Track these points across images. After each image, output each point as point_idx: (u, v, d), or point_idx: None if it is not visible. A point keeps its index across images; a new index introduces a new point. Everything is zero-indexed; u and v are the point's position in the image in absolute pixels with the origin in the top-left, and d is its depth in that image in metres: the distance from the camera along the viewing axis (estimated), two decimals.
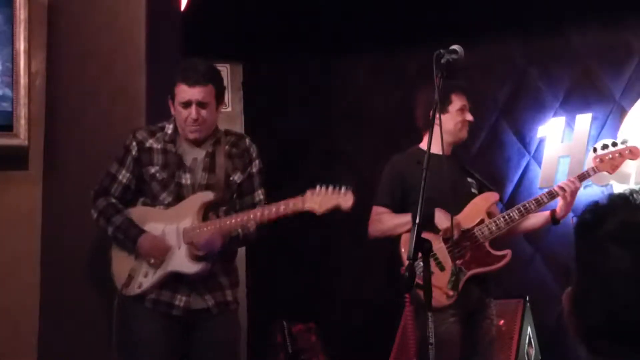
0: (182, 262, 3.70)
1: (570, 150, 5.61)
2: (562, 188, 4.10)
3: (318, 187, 3.61)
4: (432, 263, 3.88)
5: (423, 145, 4.19)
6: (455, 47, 3.41)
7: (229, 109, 6.61)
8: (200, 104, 3.71)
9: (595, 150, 4.30)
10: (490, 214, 4.12)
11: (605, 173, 5.42)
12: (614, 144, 4.25)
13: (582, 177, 4.21)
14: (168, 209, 3.76)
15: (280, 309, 6.06)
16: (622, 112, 5.52)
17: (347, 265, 6.11)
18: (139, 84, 4.37)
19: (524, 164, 5.82)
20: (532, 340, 5.02)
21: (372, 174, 4.73)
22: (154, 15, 4.47)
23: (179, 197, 3.76)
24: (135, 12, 4.42)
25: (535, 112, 5.83)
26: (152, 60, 4.40)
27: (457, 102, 4.15)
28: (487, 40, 5.78)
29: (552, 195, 4.12)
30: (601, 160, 4.23)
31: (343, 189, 3.59)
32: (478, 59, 5.54)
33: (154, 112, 4.35)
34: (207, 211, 3.75)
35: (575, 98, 5.71)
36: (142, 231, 3.73)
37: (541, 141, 5.76)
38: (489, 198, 4.16)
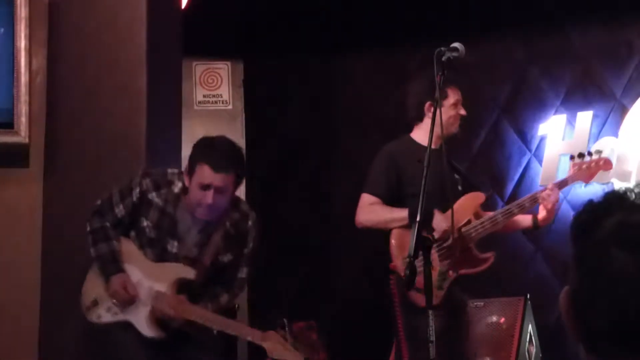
0: (142, 321, 3.65)
1: (571, 148, 5.60)
2: (543, 198, 4.09)
3: (281, 334, 3.59)
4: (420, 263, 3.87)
5: (414, 135, 4.15)
6: (456, 44, 3.40)
7: (230, 107, 6.61)
8: (219, 190, 3.58)
9: (572, 158, 4.32)
10: (476, 215, 4.10)
11: (606, 171, 5.44)
12: (590, 154, 4.27)
13: (562, 184, 4.23)
14: (152, 262, 3.70)
15: (281, 306, 6.06)
16: (623, 110, 5.51)
17: (347, 263, 6.12)
18: (139, 81, 4.36)
19: (525, 162, 5.82)
20: (532, 338, 5.03)
21: None
22: (155, 13, 4.47)
23: (162, 259, 3.69)
24: (136, 10, 4.42)
25: (536, 110, 5.83)
26: (152, 58, 4.40)
27: (452, 96, 4.10)
28: (488, 38, 5.78)
29: (534, 200, 4.12)
30: (579, 169, 4.25)
31: (300, 350, 3.59)
32: (479, 57, 5.53)
33: (154, 110, 4.35)
34: (183, 286, 3.68)
35: (576, 96, 5.70)
36: (119, 270, 3.67)
37: (542, 139, 5.76)
38: (476, 198, 4.13)
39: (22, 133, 4.27)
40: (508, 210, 4.11)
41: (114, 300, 3.65)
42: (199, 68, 6.56)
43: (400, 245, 3.91)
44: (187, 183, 3.65)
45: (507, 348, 4.92)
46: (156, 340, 3.67)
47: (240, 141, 6.56)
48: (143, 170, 3.79)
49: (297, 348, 3.61)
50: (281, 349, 3.56)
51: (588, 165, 4.24)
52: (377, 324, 5.56)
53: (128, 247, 3.74)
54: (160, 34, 4.53)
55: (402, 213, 3.93)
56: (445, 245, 3.91)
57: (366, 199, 4.07)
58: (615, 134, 5.50)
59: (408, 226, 3.86)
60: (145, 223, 3.70)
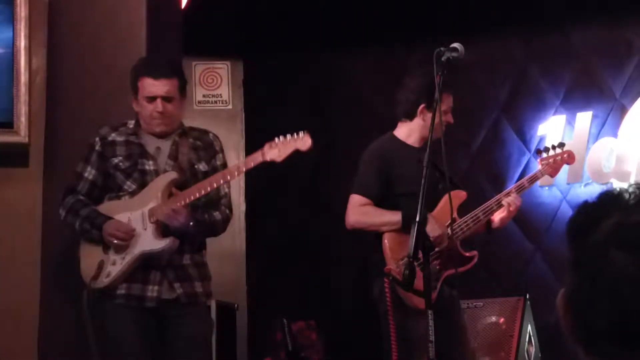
0: (149, 241, 3.69)
1: (570, 149, 5.60)
2: (510, 202, 4.08)
3: (276, 139, 3.69)
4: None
5: (398, 133, 4.10)
6: (455, 45, 3.39)
7: (230, 107, 6.62)
8: (166, 98, 3.72)
9: (539, 152, 4.37)
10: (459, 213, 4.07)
11: (602, 171, 5.46)
12: (554, 147, 4.32)
13: (532, 179, 4.27)
14: (133, 197, 3.77)
15: (281, 306, 6.06)
16: (622, 110, 5.52)
17: (347, 263, 6.11)
18: None
19: (524, 161, 5.82)
20: (532, 338, 5.03)
21: None
22: (155, 13, 4.47)
23: (143, 184, 3.76)
24: (136, 10, 4.42)
25: (536, 110, 5.83)
26: None
27: (446, 102, 4.01)
28: (487, 38, 5.77)
29: (498, 205, 4.11)
30: (546, 163, 4.29)
31: (301, 133, 3.68)
32: (479, 57, 5.53)
33: None
34: (171, 191, 3.75)
35: (576, 96, 5.71)
36: (108, 218, 3.73)
37: (541, 139, 5.76)
38: (460, 196, 4.08)
39: (21, 133, 4.27)
40: (488, 207, 4.09)
41: (116, 241, 3.67)
42: (198, 68, 6.56)
43: (393, 248, 3.89)
44: (135, 107, 3.79)
45: (507, 348, 4.93)
46: (148, 314, 3.70)
47: (240, 141, 6.56)
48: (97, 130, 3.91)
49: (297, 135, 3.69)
50: (284, 146, 3.68)
51: (554, 159, 4.28)
52: (378, 323, 5.57)
53: (106, 206, 3.81)
54: (160, 33, 4.53)
55: (395, 217, 3.89)
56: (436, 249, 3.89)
57: (357, 199, 4.00)
58: (615, 134, 5.51)
59: (400, 229, 3.85)
60: (116, 160, 3.79)
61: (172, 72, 3.77)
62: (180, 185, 3.76)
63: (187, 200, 3.67)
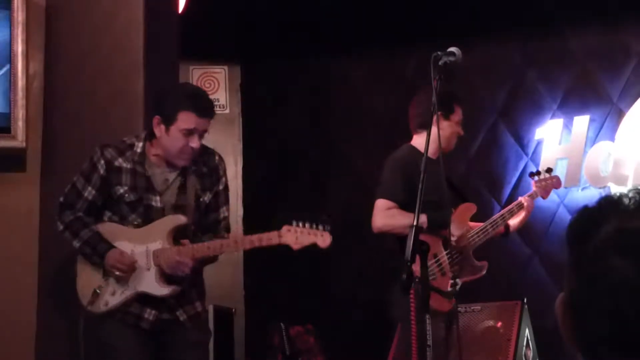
0: (151, 284, 3.66)
1: (568, 152, 5.62)
2: (527, 209, 4.47)
3: (294, 223, 3.62)
4: (436, 268, 4.02)
5: (416, 143, 4.21)
6: (453, 49, 3.40)
7: (227, 111, 6.62)
8: (201, 134, 3.67)
9: (532, 175, 4.75)
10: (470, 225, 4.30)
11: (600, 174, 5.47)
12: (545, 172, 4.72)
13: (531, 197, 4.60)
14: (137, 229, 3.71)
15: (278, 310, 6.06)
16: (619, 114, 5.52)
17: (345, 266, 6.12)
18: (137, 85, 4.36)
19: (521, 165, 5.83)
20: (529, 342, 5.02)
21: (371, 175, 4.73)
22: (152, 17, 4.47)
23: (148, 219, 3.70)
24: (134, 14, 4.42)
25: (533, 114, 5.83)
26: (150, 62, 4.40)
27: (458, 113, 4.24)
28: (485, 42, 5.78)
29: (512, 213, 4.46)
30: (539, 185, 4.66)
31: (321, 228, 3.63)
32: (476, 60, 5.54)
33: (151, 114, 4.35)
34: (178, 234, 3.70)
35: (573, 100, 5.71)
36: (111, 246, 3.67)
37: (539, 143, 5.77)
38: (470, 209, 4.33)
39: (19, 137, 4.27)
40: (495, 222, 4.36)
41: (117, 273, 3.64)
42: (196, 72, 6.56)
43: None
44: (160, 133, 3.66)
45: (504, 352, 4.92)
46: (152, 340, 3.69)
47: (238, 146, 6.56)
48: (100, 145, 3.80)
49: (318, 228, 3.63)
50: (304, 236, 3.63)
51: (546, 183, 4.66)
52: (376, 326, 5.57)
53: (109, 228, 3.74)
54: (157, 38, 4.53)
55: (421, 218, 3.93)
56: (456, 251, 4.02)
57: (382, 204, 4.12)
58: (612, 138, 5.51)
59: (426, 230, 3.90)
60: (121, 190, 3.71)
61: (212, 112, 3.72)
62: (187, 223, 3.74)
63: (195, 256, 3.63)
